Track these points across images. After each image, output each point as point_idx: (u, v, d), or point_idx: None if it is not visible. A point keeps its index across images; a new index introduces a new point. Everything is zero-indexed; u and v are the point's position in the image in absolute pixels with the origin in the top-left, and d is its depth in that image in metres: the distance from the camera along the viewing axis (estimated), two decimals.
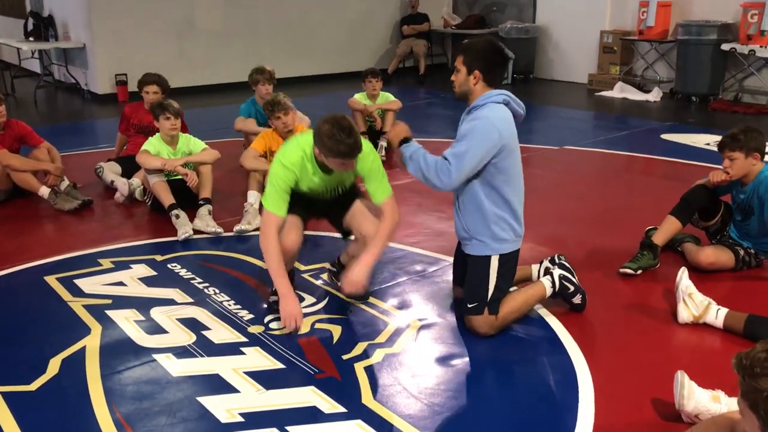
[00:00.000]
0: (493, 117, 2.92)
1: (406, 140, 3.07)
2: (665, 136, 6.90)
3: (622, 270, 3.66)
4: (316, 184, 3.12)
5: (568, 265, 3.32)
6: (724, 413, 2.21)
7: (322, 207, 3.33)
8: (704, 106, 8.37)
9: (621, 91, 9.19)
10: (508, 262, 3.08)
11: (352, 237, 3.40)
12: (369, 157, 3.07)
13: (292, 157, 3.04)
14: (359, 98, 6.28)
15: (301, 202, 3.18)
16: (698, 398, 2.38)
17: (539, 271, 3.41)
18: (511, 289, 3.20)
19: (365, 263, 3.06)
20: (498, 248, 3.03)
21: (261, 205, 4.47)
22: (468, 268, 3.12)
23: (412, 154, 3.01)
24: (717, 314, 3.08)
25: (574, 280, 3.25)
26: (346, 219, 3.30)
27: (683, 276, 3.23)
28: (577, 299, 3.25)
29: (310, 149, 3.02)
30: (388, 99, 6.30)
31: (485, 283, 3.04)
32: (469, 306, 3.07)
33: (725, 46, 8.18)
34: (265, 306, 3.31)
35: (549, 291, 3.21)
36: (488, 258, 3.03)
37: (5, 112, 4.90)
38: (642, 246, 3.77)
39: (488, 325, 3.05)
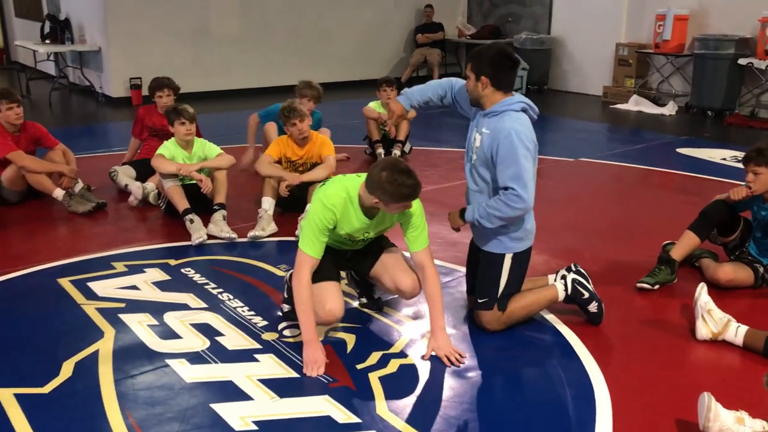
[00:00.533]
0: (519, 129, 2.93)
1: (461, 213, 3.09)
2: (681, 150, 6.86)
3: (639, 285, 3.63)
4: (354, 228, 2.98)
5: (583, 272, 3.31)
6: None
7: (349, 255, 3.23)
8: (720, 121, 8.32)
9: (636, 104, 9.16)
10: (522, 260, 3.14)
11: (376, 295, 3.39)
12: (414, 205, 2.98)
13: (335, 198, 2.90)
14: (374, 106, 6.27)
15: (330, 253, 3.04)
16: (723, 420, 2.33)
17: (555, 280, 3.39)
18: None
19: (443, 329, 2.98)
20: (513, 247, 3.09)
21: (275, 214, 4.51)
22: (481, 264, 3.17)
23: (479, 215, 3.00)
24: (737, 332, 3.04)
25: (588, 286, 3.23)
26: (375, 270, 3.19)
27: (702, 292, 3.19)
28: (593, 307, 3.22)
29: (355, 192, 2.90)
30: None
31: (497, 280, 3.10)
32: (480, 301, 3.13)
33: (742, 61, 8.14)
34: (279, 313, 3.29)
35: (561, 294, 3.22)
36: (502, 256, 3.10)
37: (22, 114, 4.92)
38: (659, 261, 3.73)
39: (495, 320, 3.12)
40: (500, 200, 2.94)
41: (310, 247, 2.89)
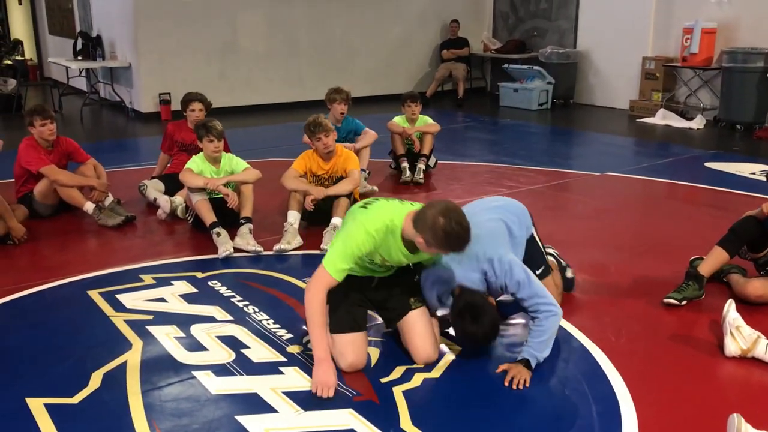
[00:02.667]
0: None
1: (527, 364, 2.91)
2: (709, 165, 6.78)
3: (666, 300, 3.59)
4: (392, 258, 2.88)
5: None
6: None
7: (376, 285, 3.08)
8: (749, 135, 8.22)
9: (663, 118, 9.08)
10: None
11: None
12: None
13: (378, 224, 2.78)
14: (398, 121, 6.30)
15: (356, 291, 2.99)
16: None
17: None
18: None
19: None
20: None
21: (301, 227, 4.55)
22: None
23: (538, 354, 2.92)
24: (766, 349, 2.99)
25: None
26: (402, 327, 3.04)
27: (731, 308, 3.15)
28: (569, 273, 3.66)
29: (399, 222, 2.78)
30: (426, 122, 6.32)
31: None
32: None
33: None
34: (304, 327, 3.30)
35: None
36: None
37: (55, 130, 5.02)
38: (687, 276, 3.69)
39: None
40: (540, 322, 2.95)
41: (335, 268, 2.78)
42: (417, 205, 2.84)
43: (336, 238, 2.90)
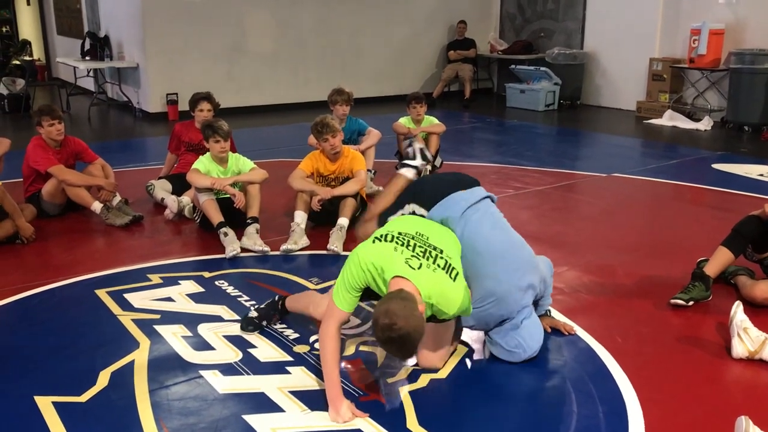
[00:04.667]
0: None
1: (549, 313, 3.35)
2: (716, 166, 6.76)
3: (673, 301, 3.58)
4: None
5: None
6: None
7: None
8: (757, 136, 8.18)
9: (670, 119, 9.06)
10: None
11: None
12: None
13: (370, 264, 2.67)
14: (404, 122, 6.30)
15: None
16: None
17: None
18: None
19: None
20: None
21: (307, 228, 4.55)
22: None
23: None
24: None
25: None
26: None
27: (738, 310, 3.14)
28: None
29: (388, 276, 2.65)
30: (432, 123, 6.32)
31: None
32: None
33: None
34: (312, 327, 3.31)
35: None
36: None
37: (63, 130, 5.05)
38: (693, 277, 3.68)
39: None
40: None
41: (342, 301, 2.68)
42: (414, 265, 2.64)
43: (340, 277, 2.75)
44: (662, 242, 4.63)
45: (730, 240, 3.70)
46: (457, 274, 2.71)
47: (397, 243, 2.70)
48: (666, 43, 9.60)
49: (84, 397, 2.73)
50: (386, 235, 2.74)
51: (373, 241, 2.75)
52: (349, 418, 2.57)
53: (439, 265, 2.68)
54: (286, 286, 3.84)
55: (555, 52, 10.36)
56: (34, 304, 3.67)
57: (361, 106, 9.93)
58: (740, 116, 8.54)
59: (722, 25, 8.75)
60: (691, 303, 3.57)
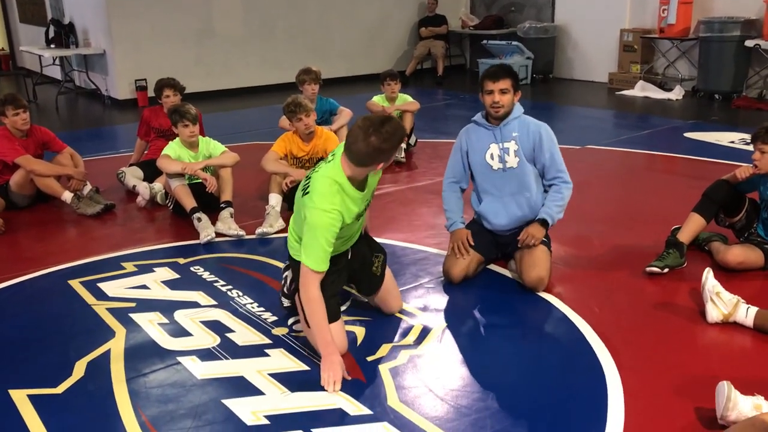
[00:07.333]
0: (546, 125, 3.58)
1: (544, 223, 3.53)
2: (688, 135, 6.82)
3: (648, 269, 3.61)
4: (353, 212, 2.83)
5: None
6: (760, 415, 2.16)
7: (347, 265, 3.08)
8: (727, 104, 8.26)
9: (642, 90, 9.11)
10: None
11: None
12: None
13: (329, 197, 2.72)
14: (378, 100, 6.27)
15: (332, 274, 2.89)
16: (741, 408, 2.31)
17: None
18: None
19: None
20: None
21: (283, 210, 4.52)
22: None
23: (556, 215, 3.55)
24: (747, 312, 3.02)
25: None
26: (375, 299, 3.25)
27: (709, 276, 3.17)
28: None
29: (342, 178, 2.75)
30: (406, 100, 6.29)
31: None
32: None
33: (749, 43, 8.08)
34: (286, 305, 3.29)
35: None
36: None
37: (28, 119, 4.94)
38: (668, 244, 3.71)
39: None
40: (560, 191, 3.54)
41: (316, 261, 2.72)
42: (337, 151, 2.83)
43: (304, 233, 2.79)
44: (637, 212, 4.66)
45: (701, 205, 3.74)
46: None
47: (310, 173, 2.88)
48: (636, 14, 9.63)
49: (60, 389, 2.69)
50: (305, 185, 2.85)
51: (305, 192, 2.81)
52: (339, 376, 2.65)
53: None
54: (263, 270, 3.82)
55: (526, 26, 10.34)
56: (5, 297, 3.60)
57: (334, 85, 9.87)
58: (711, 85, 8.61)
59: None
60: (666, 270, 3.60)
